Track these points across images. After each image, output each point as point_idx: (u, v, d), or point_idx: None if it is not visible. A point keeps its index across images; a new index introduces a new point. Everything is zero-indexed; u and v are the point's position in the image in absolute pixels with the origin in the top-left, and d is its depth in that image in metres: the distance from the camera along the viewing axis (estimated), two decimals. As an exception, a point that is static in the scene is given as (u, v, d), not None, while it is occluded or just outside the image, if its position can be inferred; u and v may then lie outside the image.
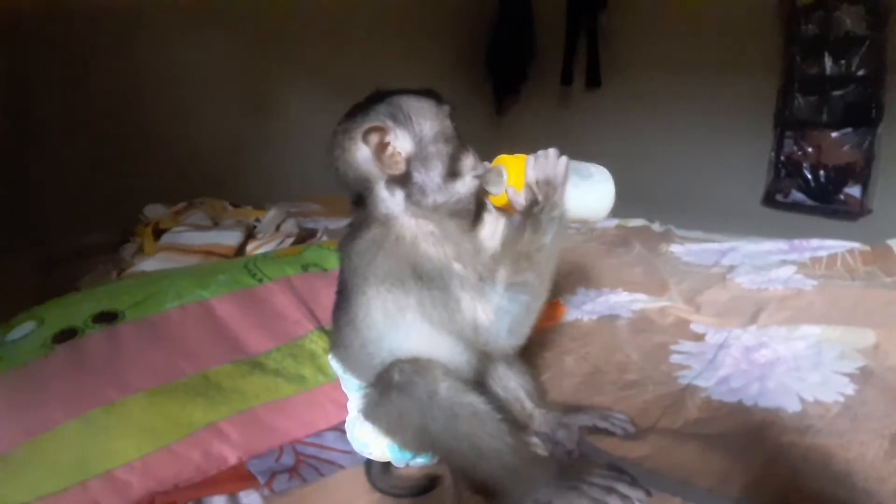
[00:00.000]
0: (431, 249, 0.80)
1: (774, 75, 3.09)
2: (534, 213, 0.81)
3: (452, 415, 0.78)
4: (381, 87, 0.87)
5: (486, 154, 0.91)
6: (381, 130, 0.81)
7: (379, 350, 0.84)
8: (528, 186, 0.83)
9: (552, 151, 0.82)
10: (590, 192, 0.86)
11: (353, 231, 0.85)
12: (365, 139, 0.81)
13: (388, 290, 0.81)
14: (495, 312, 0.78)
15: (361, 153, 0.82)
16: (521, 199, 0.83)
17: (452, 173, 0.85)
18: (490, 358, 0.97)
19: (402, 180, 0.82)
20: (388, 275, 0.81)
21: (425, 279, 0.79)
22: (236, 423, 0.95)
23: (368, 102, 0.85)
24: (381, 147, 0.81)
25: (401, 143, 0.82)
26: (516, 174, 0.84)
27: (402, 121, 0.83)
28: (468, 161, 0.87)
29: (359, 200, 0.86)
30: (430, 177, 0.84)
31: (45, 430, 0.88)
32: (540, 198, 0.81)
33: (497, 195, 0.87)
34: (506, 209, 0.89)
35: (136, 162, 2.61)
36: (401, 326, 0.83)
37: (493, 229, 0.93)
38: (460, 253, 0.81)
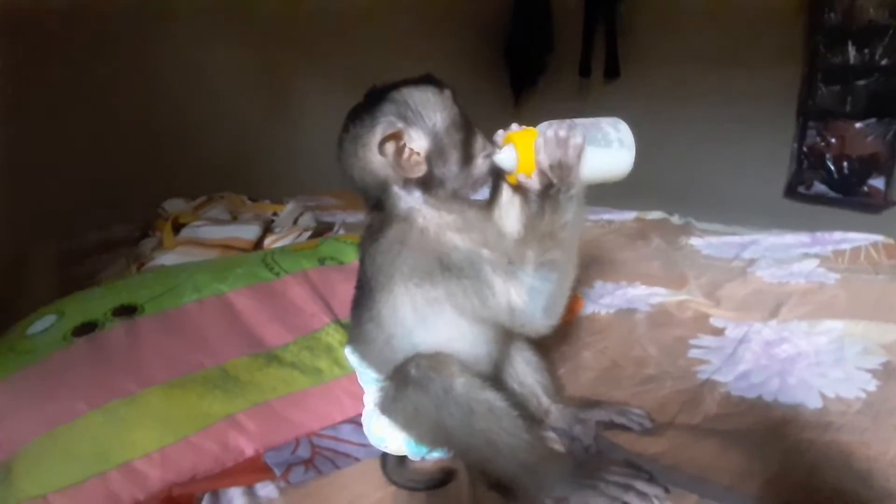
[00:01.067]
0: (457, 238, 0.79)
1: (797, 65, 3.04)
2: (550, 194, 0.79)
3: (469, 410, 0.77)
4: (377, 83, 0.84)
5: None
6: (397, 136, 0.79)
7: (403, 345, 0.84)
8: (541, 169, 0.79)
9: (562, 130, 0.78)
10: (608, 159, 0.83)
11: (374, 231, 0.84)
12: (381, 149, 0.79)
13: (417, 286, 0.80)
14: (528, 293, 0.77)
15: (378, 161, 0.80)
16: (534, 184, 0.81)
17: (467, 158, 0.84)
18: (509, 352, 0.97)
19: (423, 178, 0.81)
20: (415, 270, 0.80)
21: (454, 269, 0.78)
22: (253, 415, 0.96)
23: (370, 102, 0.82)
24: (399, 152, 0.79)
25: (417, 143, 0.80)
26: (525, 156, 0.80)
27: (414, 119, 0.80)
28: (478, 143, 0.85)
29: (376, 201, 0.84)
30: (449, 167, 0.82)
31: (65, 422, 0.89)
32: (554, 181, 0.78)
33: (509, 174, 0.84)
34: (521, 189, 0.86)
35: (158, 156, 2.63)
36: (429, 321, 0.82)
37: (508, 206, 0.91)
38: (487, 238, 0.80)
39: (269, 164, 3.04)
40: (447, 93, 0.84)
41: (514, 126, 0.85)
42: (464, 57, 3.85)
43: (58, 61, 2.41)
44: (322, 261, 1.33)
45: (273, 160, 3.07)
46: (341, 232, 1.93)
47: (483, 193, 0.92)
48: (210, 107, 2.81)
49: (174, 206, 2.14)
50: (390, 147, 0.79)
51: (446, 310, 0.81)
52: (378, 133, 0.78)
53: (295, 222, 2.00)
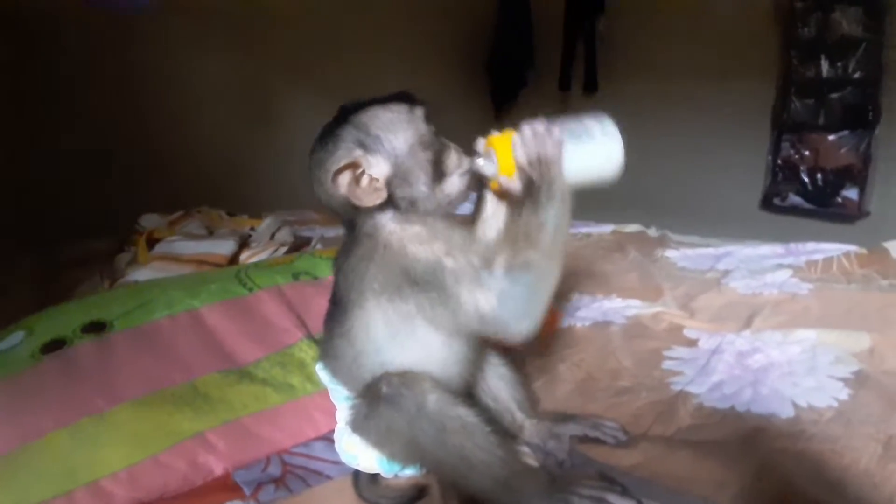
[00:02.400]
0: (420, 250, 0.77)
1: (771, 78, 3.10)
2: (531, 193, 0.77)
3: (441, 427, 0.76)
4: (348, 102, 0.83)
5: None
6: (352, 166, 0.79)
7: (371, 364, 0.83)
8: (521, 168, 0.78)
9: (540, 126, 0.77)
10: (593, 155, 0.81)
11: (346, 248, 0.84)
12: (335, 182, 0.79)
13: (389, 301, 0.79)
14: (498, 298, 0.74)
15: (338, 189, 0.80)
16: (516, 186, 0.79)
17: (438, 176, 0.82)
18: (482, 368, 0.96)
19: (389, 201, 0.80)
20: (385, 285, 0.79)
21: (420, 282, 0.77)
22: (223, 433, 0.94)
23: (336, 124, 0.81)
24: (357, 180, 0.79)
25: (376, 169, 0.80)
26: (505, 159, 0.79)
27: (372, 144, 0.80)
28: (452, 160, 0.84)
29: (349, 221, 0.84)
30: (416, 188, 0.81)
31: (32, 440, 0.87)
32: (535, 177, 0.77)
33: (491, 180, 0.82)
34: (505, 193, 0.84)
35: (136, 170, 2.61)
36: (400, 338, 0.81)
37: (492, 220, 0.89)
38: (451, 247, 0.77)
39: (250, 179, 3.03)
40: (418, 111, 0.83)
41: (495, 133, 0.83)
42: (446, 70, 3.87)
43: (35, 71, 2.39)
44: (297, 276, 1.32)
45: (254, 174, 3.06)
46: (318, 247, 1.92)
47: (468, 209, 0.91)
48: (190, 120, 2.80)
49: (150, 220, 2.12)
50: (345, 178, 0.79)
51: (418, 326, 0.80)
52: (333, 162, 0.79)
53: (272, 237, 1.99)
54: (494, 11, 4.09)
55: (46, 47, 2.39)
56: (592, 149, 0.81)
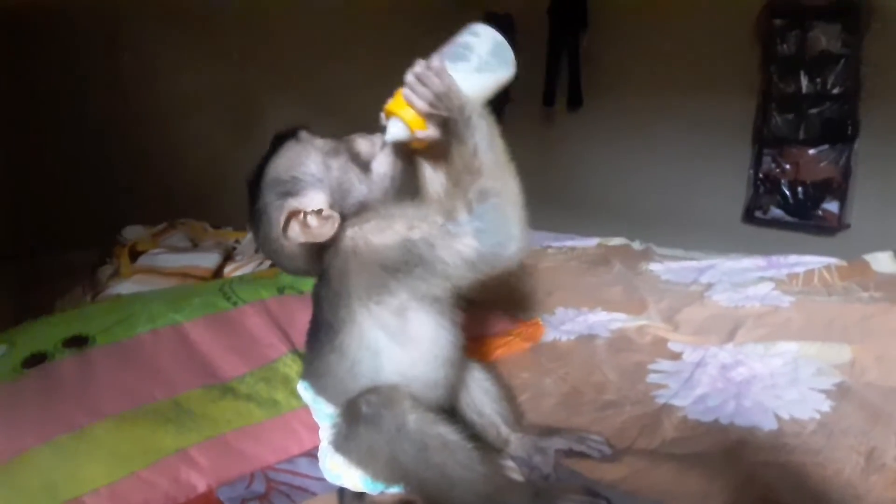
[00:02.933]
0: (385, 237, 0.78)
1: (752, 94, 3.13)
2: (451, 128, 0.77)
3: (422, 446, 0.76)
4: (248, 179, 0.84)
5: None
6: (292, 215, 0.80)
7: (367, 370, 0.83)
8: (427, 115, 0.78)
9: (418, 68, 0.77)
10: (483, 64, 0.80)
11: (322, 279, 0.84)
12: (286, 236, 0.80)
13: (377, 303, 0.80)
14: (475, 237, 0.74)
15: (295, 241, 0.81)
16: (432, 132, 0.80)
17: (364, 168, 0.84)
18: (465, 378, 0.96)
19: (342, 219, 0.81)
20: (369, 288, 0.79)
21: (401, 267, 0.77)
22: (206, 450, 0.93)
23: (254, 200, 0.83)
24: (305, 225, 0.80)
25: (313, 203, 0.81)
26: (408, 115, 0.79)
27: (293, 187, 0.81)
28: (364, 147, 0.85)
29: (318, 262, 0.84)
30: (356, 190, 0.83)
31: (12, 457, 0.87)
32: (444, 114, 0.77)
33: (413, 144, 0.83)
34: (433, 148, 0.84)
35: (120, 181, 2.60)
36: (397, 335, 0.82)
37: (432, 177, 0.89)
38: (410, 221, 0.78)
39: (235, 191, 2.98)
40: (303, 135, 0.85)
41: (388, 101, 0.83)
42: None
43: (21, 80, 2.38)
44: (281, 290, 1.31)
45: (239, 186, 3.02)
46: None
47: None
48: (175, 132, 2.79)
49: (134, 232, 2.11)
50: (294, 227, 0.80)
51: (410, 318, 0.81)
52: (276, 225, 0.80)
53: (256, 250, 1.98)
54: (479, 26, 4.12)
55: (30, 58, 2.37)
56: (479, 59, 0.80)
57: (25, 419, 0.92)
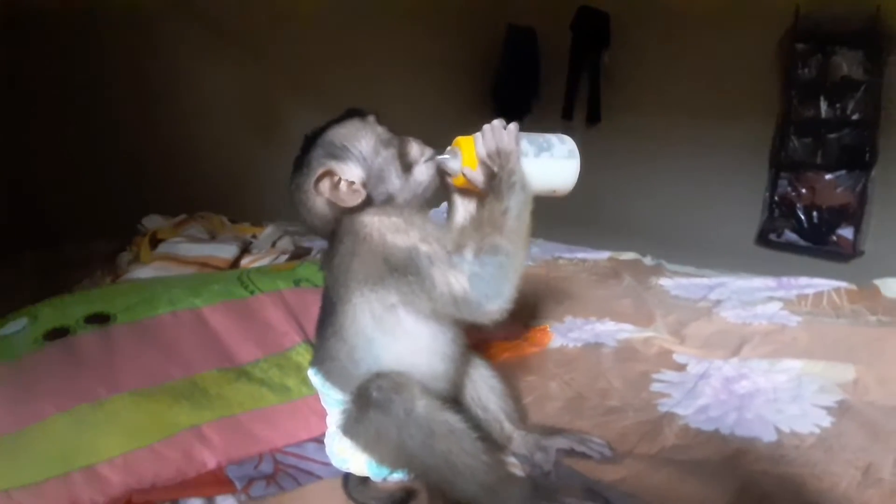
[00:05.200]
0: (398, 238, 0.82)
1: (771, 117, 3.15)
2: (493, 184, 0.83)
3: (429, 432, 0.79)
4: (309, 131, 0.91)
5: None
6: (328, 174, 0.85)
7: (365, 356, 0.86)
8: (483, 162, 0.84)
9: (498, 122, 0.85)
10: (550, 163, 0.88)
11: (331, 248, 0.88)
12: (317, 189, 0.85)
13: (372, 291, 0.84)
14: (469, 280, 0.79)
15: (321, 201, 0.86)
16: (478, 177, 0.85)
17: (406, 168, 0.89)
18: (468, 372, 0.99)
19: (367, 200, 0.86)
20: (368, 276, 0.83)
21: (400, 268, 0.81)
22: (219, 428, 0.96)
23: (304, 152, 0.89)
24: (336, 186, 0.85)
25: (350, 174, 0.87)
26: (468, 153, 0.86)
27: (341, 154, 0.87)
28: (414, 150, 0.90)
29: (332, 234, 0.89)
30: (391, 182, 0.88)
31: (33, 422, 0.90)
32: (495, 169, 0.83)
33: (455, 176, 0.89)
34: (469, 189, 0.90)
35: (140, 172, 2.64)
36: (388, 329, 0.85)
37: (464, 213, 0.95)
38: (425, 234, 0.83)
39: (253, 187, 3.05)
40: (370, 118, 0.91)
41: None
42: (452, 94, 3.92)
43: (44, 74, 2.43)
44: (297, 282, 1.34)
45: (257, 183, 3.08)
46: (319, 256, 1.95)
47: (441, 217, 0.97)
48: (196, 127, 2.83)
49: (153, 222, 2.15)
50: (325, 185, 0.85)
51: (402, 315, 0.85)
52: (311, 177, 0.85)
53: (273, 245, 2.02)
54: (502, 39, 4.17)
55: (57, 48, 2.43)
56: (550, 161, 0.88)
57: (45, 389, 0.96)
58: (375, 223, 0.84)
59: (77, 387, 0.95)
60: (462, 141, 0.87)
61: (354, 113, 0.91)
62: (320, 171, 0.85)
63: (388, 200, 0.89)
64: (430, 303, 0.82)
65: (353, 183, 0.86)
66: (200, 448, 0.93)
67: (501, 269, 0.80)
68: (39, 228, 2.33)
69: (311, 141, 0.89)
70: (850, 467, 0.88)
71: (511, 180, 0.82)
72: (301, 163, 0.89)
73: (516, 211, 0.82)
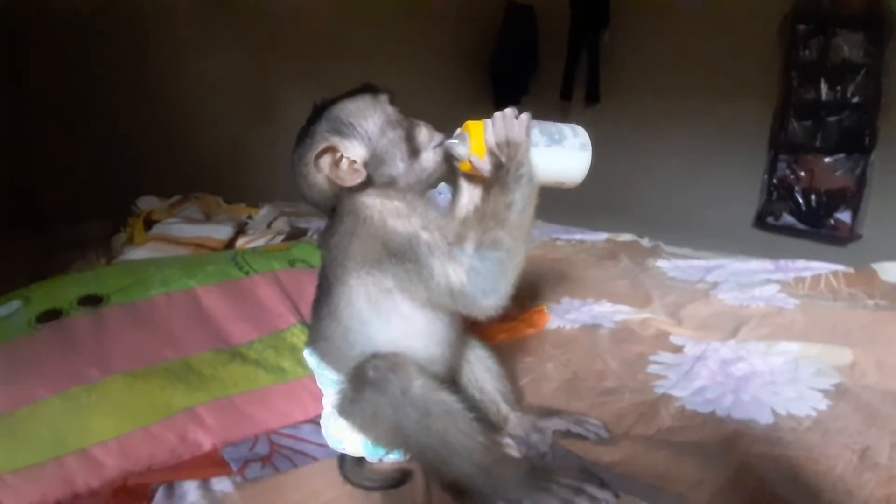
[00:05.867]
0: (399, 223, 0.81)
1: (771, 99, 3.13)
2: (500, 175, 0.81)
3: (425, 412, 0.78)
4: (319, 101, 0.88)
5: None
6: (330, 150, 0.83)
7: (359, 338, 0.85)
8: (491, 150, 0.82)
9: (510, 111, 0.82)
10: (561, 154, 0.85)
11: (330, 227, 0.87)
12: (317, 165, 0.83)
13: (369, 273, 0.83)
14: (467, 274, 0.79)
15: (321, 177, 0.84)
16: (485, 165, 0.83)
17: (413, 152, 0.87)
18: (465, 355, 0.98)
19: (368, 181, 0.84)
20: (366, 258, 0.82)
21: (398, 254, 0.80)
22: (213, 410, 0.96)
23: (310, 123, 0.87)
24: (336, 164, 0.83)
25: (352, 152, 0.85)
26: (477, 139, 0.83)
27: (345, 130, 0.85)
28: (423, 135, 0.88)
29: (331, 210, 0.88)
30: (395, 165, 0.86)
31: (25, 405, 0.89)
32: (503, 159, 0.81)
33: (462, 161, 0.86)
34: (476, 175, 0.88)
35: (135, 154, 2.62)
36: (383, 312, 0.84)
37: (468, 199, 0.93)
38: (427, 222, 0.82)
39: (249, 168, 3.04)
40: (383, 97, 0.89)
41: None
42: (450, 74, 3.89)
43: (38, 57, 2.40)
44: (293, 263, 1.33)
45: (253, 164, 3.07)
46: (315, 237, 1.94)
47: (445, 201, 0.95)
48: (193, 107, 2.81)
49: (148, 203, 2.14)
50: (325, 161, 0.83)
51: (398, 300, 0.84)
52: (313, 150, 0.83)
53: (269, 226, 2.01)
54: (501, 18, 4.12)
55: (52, 28, 2.40)
56: (562, 151, 0.85)
57: (38, 371, 0.95)
58: (377, 205, 0.83)
59: (70, 369, 0.95)
60: (472, 126, 0.85)
61: (368, 89, 0.89)
62: (323, 145, 0.83)
63: (391, 183, 0.86)
64: (426, 292, 0.81)
65: (354, 162, 0.84)
66: (195, 429, 0.92)
67: (501, 266, 0.79)
68: (33, 211, 2.32)
69: (318, 112, 0.87)
70: (847, 451, 0.88)
71: (518, 173, 0.80)
72: (305, 134, 0.87)
73: (521, 205, 0.80)
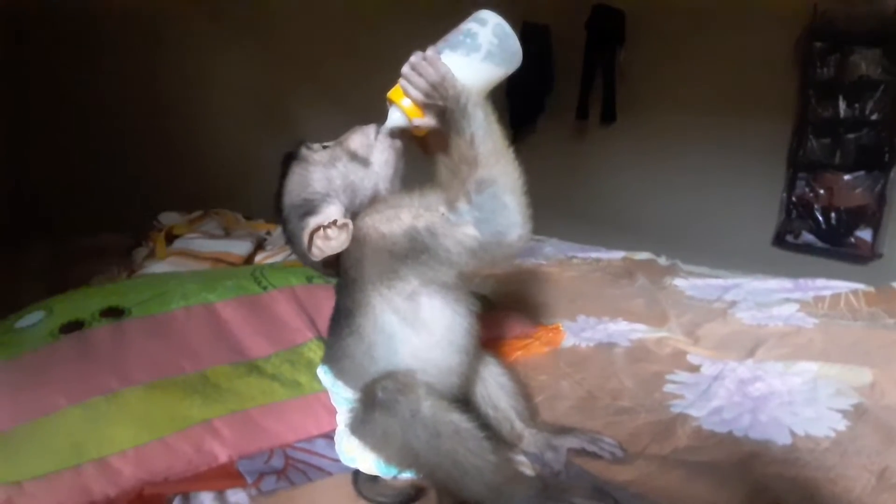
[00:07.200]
0: (393, 226, 0.82)
1: (789, 117, 3.12)
2: (448, 118, 0.79)
3: (435, 433, 0.78)
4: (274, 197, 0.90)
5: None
6: (314, 234, 0.84)
7: (384, 352, 0.86)
8: (424, 104, 0.81)
9: (413, 58, 0.80)
10: (485, 58, 0.81)
11: (340, 258, 0.88)
12: (316, 251, 0.84)
13: (388, 288, 0.84)
14: (476, 227, 0.78)
15: (320, 253, 0.85)
16: (430, 120, 0.82)
17: (364, 162, 0.87)
18: (478, 369, 0.98)
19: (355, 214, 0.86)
20: (381, 274, 0.83)
21: (409, 253, 0.81)
22: (230, 422, 0.97)
23: (284, 225, 0.89)
24: (327, 238, 0.84)
25: (333, 213, 0.85)
26: (404, 104, 0.81)
27: (310, 207, 0.85)
28: (359, 141, 0.89)
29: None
30: (362, 186, 0.87)
31: (46, 413, 0.90)
32: (440, 103, 0.79)
33: (413, 130, 0.85)
34: (438, 135, 0.85)
35: (156, 168, 2.67)
36: (408, 320, 0.85)
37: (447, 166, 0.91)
38: (415, 211, 0.82)
39: (267, 184, 3.06)
40: (303, 152, 0.89)
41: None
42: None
43: (63, 67, 2.45)
44: (310, 279, 1.35)
45: (271, 181, 3.10)
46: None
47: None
48: (212, 124, 2.85)
49: (169, 218, 2.17)
50: (319, 243, 0.84)
51: (423, 303, 0.85)
52: (305, 245, 0.84)
53: (286, 242, 2.02)
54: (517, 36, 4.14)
55: (78, 50, 2.45)
56: (483, 52, 0.81)
57: (59, 380, 0.96)
58: (368, 222, 0.84)
59: (90, 379, 0.96)
60: (394, 95, 0.82)
61: (288, 158, 0.90)
62: (306, 236, 0.84)
63: (374, 199, 0.87)
64: (453, 268, 0.81)
65: (335, 221, 0.84)
66: (212, 441, 0.93)
67: (498, 199, 0.77)
68: (56, 224, 2.36)
69: (279, 211, 0.89)
70: (865, 471, 0.87)
71: (461, 105, 0.78)
72: (288, 236, 0.89)
73: (482, 132, 0.78)
